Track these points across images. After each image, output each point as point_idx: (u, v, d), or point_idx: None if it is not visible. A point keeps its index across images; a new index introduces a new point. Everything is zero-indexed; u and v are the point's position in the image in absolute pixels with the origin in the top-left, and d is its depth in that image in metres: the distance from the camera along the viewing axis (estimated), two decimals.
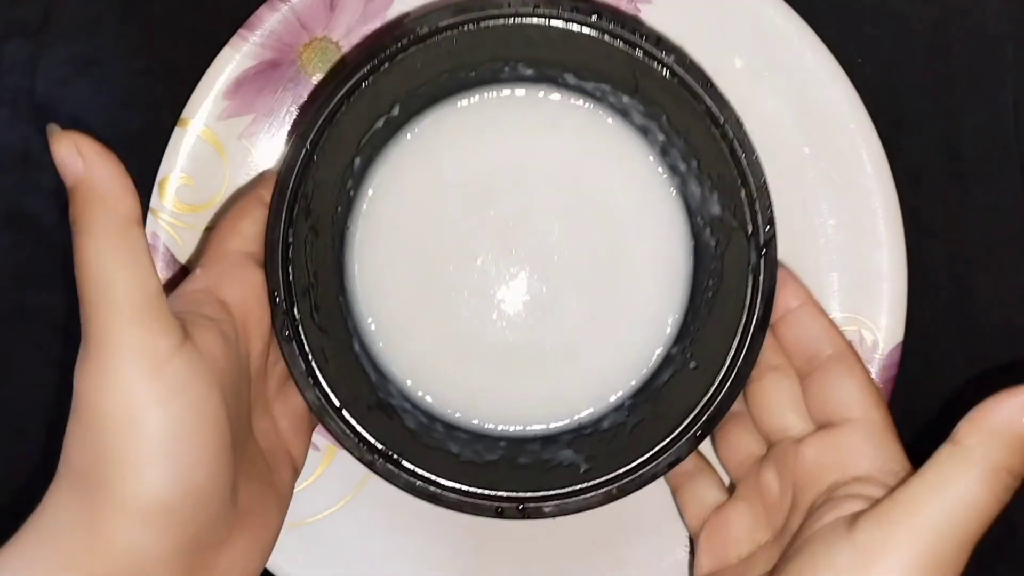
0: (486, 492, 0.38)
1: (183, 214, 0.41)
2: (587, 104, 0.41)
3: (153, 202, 0.40)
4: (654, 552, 0.42)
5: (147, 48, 0.45)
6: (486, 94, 0.41)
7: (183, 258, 0.41)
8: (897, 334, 0.41)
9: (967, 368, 0.45)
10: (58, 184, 0.45)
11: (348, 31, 0.41)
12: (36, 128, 0.44)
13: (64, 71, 0.44)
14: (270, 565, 0.41)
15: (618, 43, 0.38)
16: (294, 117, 0.41)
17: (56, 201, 0.44)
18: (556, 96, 0.41)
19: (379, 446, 0.38)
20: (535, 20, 0.38)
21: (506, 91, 0.41)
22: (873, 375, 0.41)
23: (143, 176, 0.41)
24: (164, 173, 0.40)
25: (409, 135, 0.41)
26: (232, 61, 0.40)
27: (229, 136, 0.41)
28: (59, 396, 0.45)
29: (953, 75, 0.45)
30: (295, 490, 0.41)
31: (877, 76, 0.45)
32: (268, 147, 0.41)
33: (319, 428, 0.41)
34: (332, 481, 0.41)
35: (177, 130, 0.40)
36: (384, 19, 0.41)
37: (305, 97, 0.41)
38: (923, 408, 0.45)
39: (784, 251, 0.39)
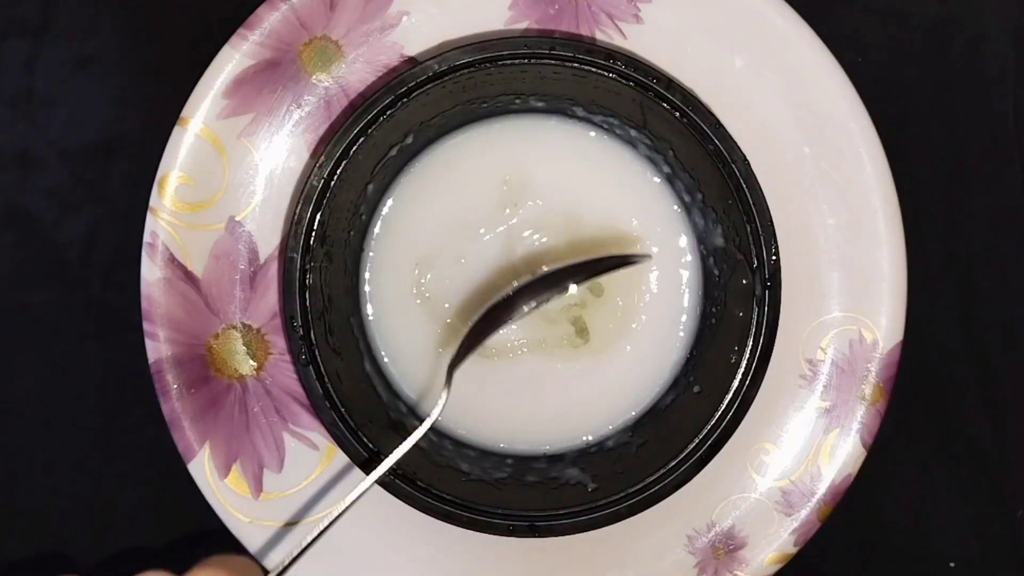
0: (498, 511, 0.39)
1: (182, 213, 0.40)
2: (594, 133, 0.42)
3: (153, 201, 0.40)
4: (654, 552, 0.42)
5: (147, 47, 0.44)
6: (498, 123, 0.42)
7: (182, 257, 0.40)
8: (897, 333, 0.41)
9: (967, 368, 0.45)
10: (58, 183, 0.45)
11: (348, 30, 0.41)
12: (35, 127, 0.44)
13: (63, 70, 0.44)
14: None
15: (629, 83, 0.38)
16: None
17: (56, 201, 0.44)
18: (566, 126, 0.42)
19: (396, 467, 0.38)
20: (550, 62, 0.38)
21: (517, 121, 0.42)
22: (873, 375, 0.41)
23: (143, 175, 0.41)
24: (164, 172, 0.40)
25: (421, 161, 0.42)
26: (232, 60, 0.40)
27: (229, 135, 0.41)
28: (59, 396, 0.44)
29: (953, 75, 0.45)
30: (295, 490, 0.41)
31: (877, 76, 0.45)
32: (267, 146, 0.41)
33: (318, 427, 0.41)
34: (332, 481, 0.41)
35: (177, 129, 0.40)
36: (384, 18, 0.41)
37: (305, 96, 0.41)
38: (923, 408, 0.45)
39: (784, 251, 0.39)
